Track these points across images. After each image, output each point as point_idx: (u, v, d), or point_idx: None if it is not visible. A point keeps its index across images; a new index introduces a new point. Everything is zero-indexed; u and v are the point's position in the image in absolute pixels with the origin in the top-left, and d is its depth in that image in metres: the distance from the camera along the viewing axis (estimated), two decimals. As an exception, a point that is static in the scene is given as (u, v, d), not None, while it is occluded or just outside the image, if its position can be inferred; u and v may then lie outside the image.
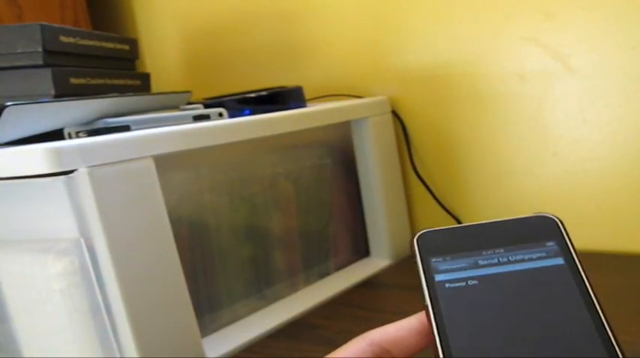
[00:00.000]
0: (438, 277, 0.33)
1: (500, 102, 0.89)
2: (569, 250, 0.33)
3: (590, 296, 0.31)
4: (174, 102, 0.80)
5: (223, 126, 0.68)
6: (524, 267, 0.33)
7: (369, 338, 0.33)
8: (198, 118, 0.73)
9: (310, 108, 0.83)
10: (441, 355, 0.30)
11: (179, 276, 0.62)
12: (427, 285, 0.33)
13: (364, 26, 1.00)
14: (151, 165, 0.59)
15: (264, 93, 0.86)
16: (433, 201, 0.98)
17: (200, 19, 1.23)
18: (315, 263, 0.87)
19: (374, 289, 0.84)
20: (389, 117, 0.96)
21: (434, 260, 0.34)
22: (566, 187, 0.87)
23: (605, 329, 0.29)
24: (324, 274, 0.88)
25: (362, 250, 0.95)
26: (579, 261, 0.32)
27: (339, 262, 0.91)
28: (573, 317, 0.30)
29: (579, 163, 0.85)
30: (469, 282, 0.32)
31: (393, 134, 0.96)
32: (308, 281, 0.85)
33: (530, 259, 0.33)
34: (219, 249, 0.74)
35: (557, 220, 0.35)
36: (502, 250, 0.34)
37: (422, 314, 0.33)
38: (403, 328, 0.34)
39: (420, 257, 0.34)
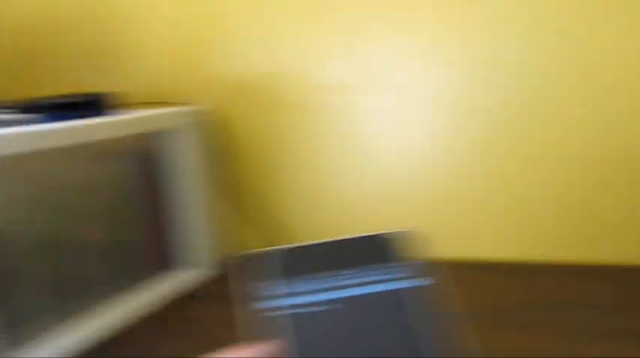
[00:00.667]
0: (278, 302, 0.29)
1: (314, 114, 0.92)
2: (424, 271, 0.30)
3: (417, 322, 0.28)
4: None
5: (39, 133, 0.64)
6: (370, 291, 0.29)
7: None
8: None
9: (115, 117, 0.79)
10: None
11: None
12: (264, 312, 0.29)
13: (186, 35, 0.99)
14: None
15: (69, 99, 0.81)
16: (234, 211, 0.99)
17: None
18: (122, 275, 0.83)
19: (186, 302, 0.82)
20: (201, 127, 0.94)
21: (272, 282, 0.30)
22: (380, 198, 0.91)
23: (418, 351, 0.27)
24: (131, 287, 0.84)
25: (165, 262, 0.92)
26: (433, 283, 0.29)
27: (147, 274, 0.88)
28: (395, 346, 0.28)
29: (391, 173, 0.90)
30: (313, 308, 0.29)
31: (203, 145, 0.95)
32: (114, 295, 0.81)
33: (381, 281, 0.29)
34: (19, 262, 0.69)
35: (409, 237, 0.31)
36: (349, 272, 0.30)
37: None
38: None
39: (254, 279, 0.30)
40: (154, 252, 0.90)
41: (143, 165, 0.89)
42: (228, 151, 0.99)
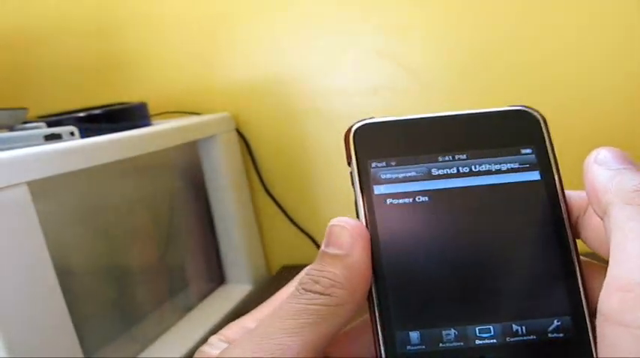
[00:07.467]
0: (378, 189, 0.25)
1: (345, 115, 0.89)
2: (550, 161, 0.25)
3: (564, 227, 0.24)
4: (7, 120, 0.67)
5: (100, 146, 0.59)
6: (489, 182, 0.25)
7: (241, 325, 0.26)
8: (49, 138, 0.62)
9: (168, 125, 0.75)
10: (374, 288, 0.23)
11: (65, 319, 0.51)
12: (363, 199, 0.25)
13: (194, 42, 0.94)
14: (26, 193, 0.48)
15: (106, 110, 0.75)
16: (284, 220, 0.95)
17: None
18: (175, 294, 0.79)
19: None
20: (234, 134, 0.91)
21: (374, 164, 0.26)
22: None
23: (574, 271, 0.23)
24: (187, 306, 0.80)
25: (217, 276, 0.89)
26: (559, 178, 0.25)
27: (198, 291, 0.84)
28: (537, 253, 0.24)
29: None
30: (417, 198, 0.25)
31: (239, 152, 0.92)
32: (174, 317, 0.77)
33: (499, 171, 0.25)
34: (80, 289, 0.63)
35: (539, 117, 0.26)
36: (464, 156, 0.25)
37: None
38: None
39: (357, 159, 0.26)
40: (201, 266, 0.86)
41: (186, 177, 0.84)
42: (257, 159, 0.95)
